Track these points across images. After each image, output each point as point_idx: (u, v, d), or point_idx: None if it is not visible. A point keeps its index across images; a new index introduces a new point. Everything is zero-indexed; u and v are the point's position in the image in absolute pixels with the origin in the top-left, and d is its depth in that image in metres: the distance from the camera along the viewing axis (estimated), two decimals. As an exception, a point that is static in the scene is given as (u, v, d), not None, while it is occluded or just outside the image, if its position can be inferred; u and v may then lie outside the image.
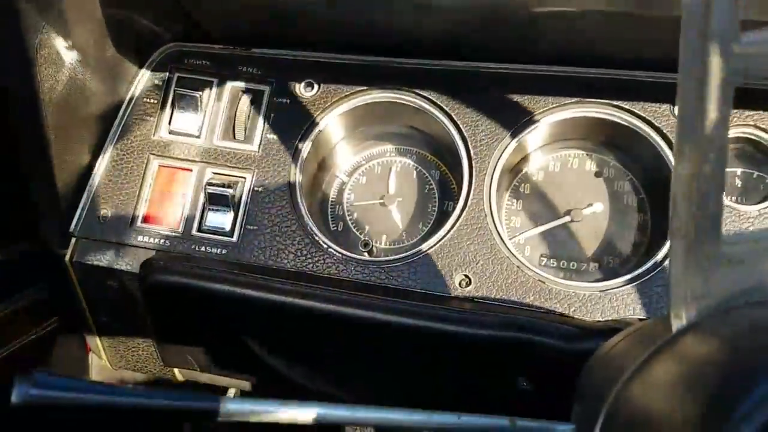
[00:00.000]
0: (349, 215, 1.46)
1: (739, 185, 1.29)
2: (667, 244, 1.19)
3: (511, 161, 1.34)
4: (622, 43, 1.20)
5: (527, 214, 1.40)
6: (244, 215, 1.30)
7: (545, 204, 1.39)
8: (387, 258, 1.27)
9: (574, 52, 1.25)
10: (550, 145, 1.40)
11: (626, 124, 1.27)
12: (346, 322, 1.18)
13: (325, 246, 1.28)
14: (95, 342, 1.48)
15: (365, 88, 1.35)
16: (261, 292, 1.19)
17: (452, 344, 1.17)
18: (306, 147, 1.35)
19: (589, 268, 1.35)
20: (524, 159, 1.41)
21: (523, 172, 1.42)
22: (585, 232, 1.36)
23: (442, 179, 1.45)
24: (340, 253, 1.28)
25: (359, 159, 1.48)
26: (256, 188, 1.32)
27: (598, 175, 1.39)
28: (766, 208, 1.20)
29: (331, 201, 1.48)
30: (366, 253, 1.37)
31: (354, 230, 1.45)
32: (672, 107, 1.24)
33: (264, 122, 1.36)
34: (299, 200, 1.31)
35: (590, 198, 1.37)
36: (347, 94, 1.35)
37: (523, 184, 1.42)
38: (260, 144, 1.35)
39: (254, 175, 1.33)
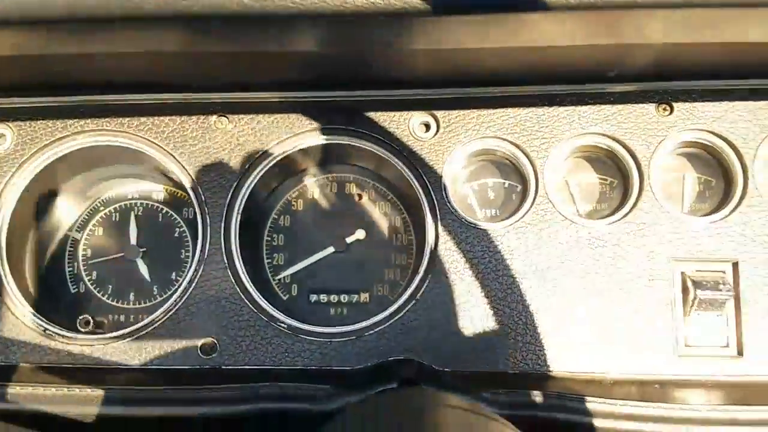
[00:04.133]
0: (87, 275, 1.26)
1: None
2: (419, 276, 1.12)
3: (256, 199, 1.20)
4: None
5: (291, 248, 1.27)
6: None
7: (308, 235, 1.28)
8: (115, 334, 1.09)
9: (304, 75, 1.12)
10: (303, 172, 1.27)
11: (367, 147, 1.16)
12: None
13: (42, 328, 1.08)
14: None
15: (68, 134, 1.14)
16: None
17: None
18: (5, 213, 1.12)
19: (360, 298, 1.26)
20: (278, 189, 1.27)
21: (281, 203, 1.29)
22: (352, 260, 1.27)
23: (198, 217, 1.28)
24: (61, 334, 1.09)
25: (97, 205, 1.28)
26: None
27: (359, 198, 1.29)
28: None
29: (68, 262, 1.27)
30: (97, 331, 1.17)
31: (95, 291, 1.25)
32: (410, 126, 1.15)
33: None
34: (3, 278, 1.10)
35: (354, 223, 1.27)
36: (47, 143, 1.14)
37: (282, 216, 1.29)
38: (-56, 217, 1.10)
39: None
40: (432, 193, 1.14)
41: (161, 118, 1.14)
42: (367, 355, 1.09)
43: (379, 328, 1.10)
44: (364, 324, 1.11)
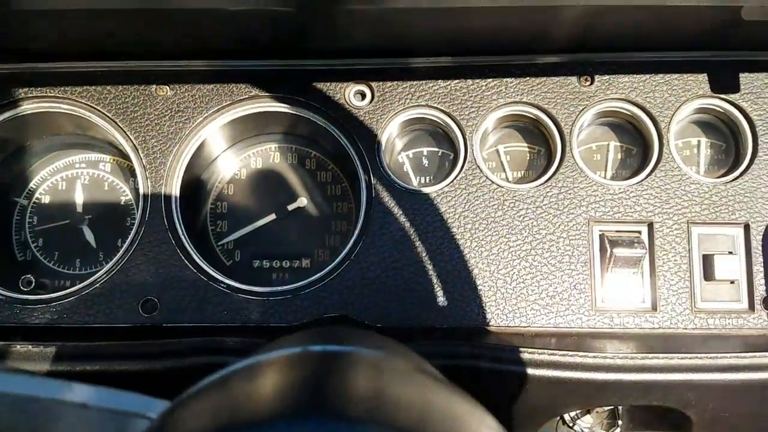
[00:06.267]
0: (33, 242, 1.29)
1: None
2: (354, 237, 1.17)
3: (197, 165, 1.24)
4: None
5: (234, 215, 1.31)
6: None
7: (252, 203, 1.32)
8: (57, 294, 1.12)
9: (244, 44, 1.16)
10: (245, 141, 1.32)
11: (304, 115, 1.21)
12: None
13: (-18, 290, 1.11)
14: None
15: (11, 99, 1.17)
16: None
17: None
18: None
19: (302, 264, 1.31)
20: (219, 158, 1.31)
21: (224, 173, 1.33)
22: (294, 227, 1.31)
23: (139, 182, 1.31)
24: (2, 294, 1.12)
25: (44, 174, 1.31)
26: None
27: (300, 167, 1.34)
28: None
29: (15, 227, 1.30)
30: (40, 292, 1.20)
31: (42, 258, 1.28)
32: (346, 95, 1.20)
33: None
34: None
35: (296, 191, 1.32)
36: (-7, 107, 1.17)
37: (227, 185, 1.33)
38: None
39: None
40: (367, 159, 1.19)
41: (104, 85, 1.17)
42: (304, 313, 1.14)
43: (315, 287, 1.15)
44: (300, 283, 1.15)
